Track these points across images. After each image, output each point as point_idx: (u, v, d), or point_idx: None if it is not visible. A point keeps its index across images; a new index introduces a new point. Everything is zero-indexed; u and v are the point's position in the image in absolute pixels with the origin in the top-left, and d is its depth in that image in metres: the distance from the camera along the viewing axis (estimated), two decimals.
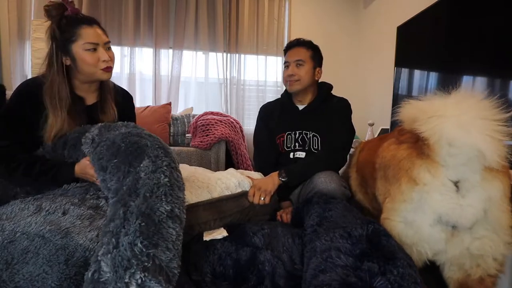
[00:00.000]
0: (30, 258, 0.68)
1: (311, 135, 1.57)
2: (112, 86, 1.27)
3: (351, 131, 1.58)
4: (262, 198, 1.31)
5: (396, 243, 0.85)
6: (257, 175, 1.50)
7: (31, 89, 1.13)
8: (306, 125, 1.58)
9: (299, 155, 1.58)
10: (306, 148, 1.57)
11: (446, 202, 0.81)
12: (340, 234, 0.88)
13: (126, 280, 0.58)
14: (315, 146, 1.56)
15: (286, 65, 1.59)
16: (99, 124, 1.07)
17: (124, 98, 1.33)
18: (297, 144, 1.59)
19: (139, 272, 0.59)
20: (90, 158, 0.98)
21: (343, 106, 1.60)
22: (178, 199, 0.78)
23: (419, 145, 0.86)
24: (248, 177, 1.40)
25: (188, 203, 0.97)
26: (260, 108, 1.76)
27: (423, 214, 0.85)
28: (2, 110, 1.15)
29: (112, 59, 1.15)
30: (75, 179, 1.07)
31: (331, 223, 0.99)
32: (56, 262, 0.68)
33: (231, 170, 1.44)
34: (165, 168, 0.82)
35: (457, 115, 0.79)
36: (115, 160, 0.86)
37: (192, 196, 1.11)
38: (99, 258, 0.61)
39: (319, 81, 1.65)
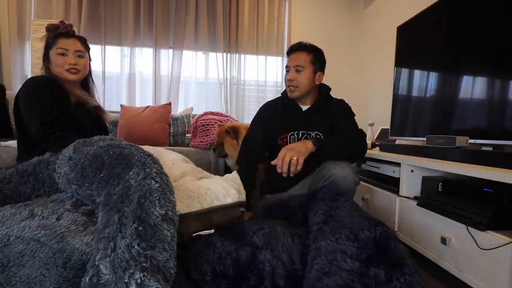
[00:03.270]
0: (26, 261, 0.67)
1: (313, 135, 1.57)
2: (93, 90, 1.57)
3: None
4: (295, 158, 1.23)
5: (404, 248, 0.83)
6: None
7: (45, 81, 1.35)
8: (309, 125, 1.58)
9: None
10: None
11: None
12: (346, 236, 0.86)
13: (126, 280, 0.58)
14: None
15: (287, 69, 1.59)
16: (74, 142, 1.03)
17: None
18: None
19: (138, 272, 0.59)
20: (67, 177, 0.93)
21: (347, 109, 1.62)
22: (170, 202, 0.78)
23: None
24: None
25: (179, 213, 0.95)
26: (261, 107, 1.73)
27: None
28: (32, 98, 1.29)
29: (80, 64, 1.39)
30: None
31: (337, 222, 0.98)
32: (54, 265, 0.68)
33: (217, 177, 1.41)
34: (154, 174, 0.81)
35: None
36: (101, 175, 0.84)
37: (183, 205, 1.08)
38: (96, 263, 0.61)
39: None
